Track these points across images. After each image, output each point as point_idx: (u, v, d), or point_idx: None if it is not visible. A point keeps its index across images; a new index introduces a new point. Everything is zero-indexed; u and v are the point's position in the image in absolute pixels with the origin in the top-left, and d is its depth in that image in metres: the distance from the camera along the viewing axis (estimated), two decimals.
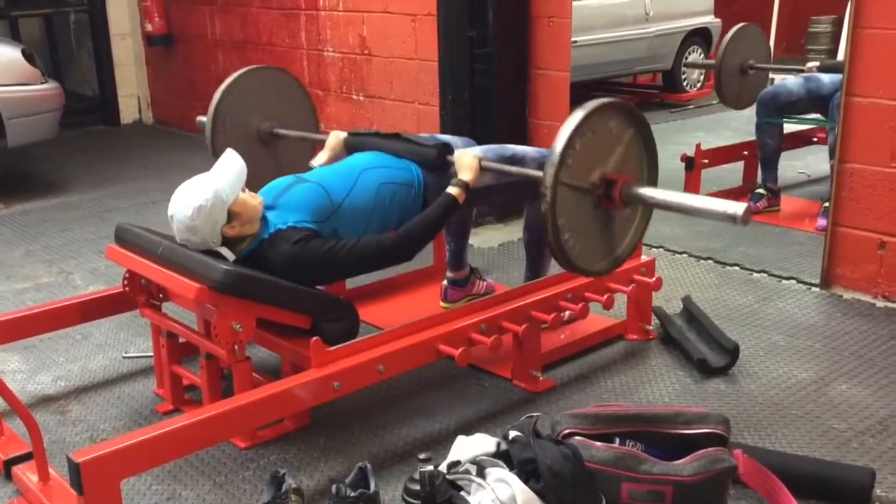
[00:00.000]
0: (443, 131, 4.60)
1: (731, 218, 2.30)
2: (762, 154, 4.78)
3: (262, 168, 3.01)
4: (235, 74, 3.48)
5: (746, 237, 4.34)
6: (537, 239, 3.18)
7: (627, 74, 8.72)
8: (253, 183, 2.70)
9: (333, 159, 3.07)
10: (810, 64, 4.86)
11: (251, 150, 3.24)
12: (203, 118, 3.47)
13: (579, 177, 2.42)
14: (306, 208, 2.69)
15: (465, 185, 2.74)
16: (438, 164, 2.88)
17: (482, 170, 2.79)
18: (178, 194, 2.58)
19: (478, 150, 2.95)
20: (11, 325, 2.88)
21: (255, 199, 2.65)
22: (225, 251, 2.68)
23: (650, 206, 2.56)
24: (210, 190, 2.54)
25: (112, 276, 3.88)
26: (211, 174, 2.60)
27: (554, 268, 2.90)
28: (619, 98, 2.51)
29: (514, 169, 2.83)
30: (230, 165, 2.62)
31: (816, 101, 4.58)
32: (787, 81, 4.74)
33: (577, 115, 2.37)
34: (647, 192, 2.47)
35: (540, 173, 2.44)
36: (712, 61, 5.25)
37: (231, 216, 2.57)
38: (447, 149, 2.91)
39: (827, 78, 4.54)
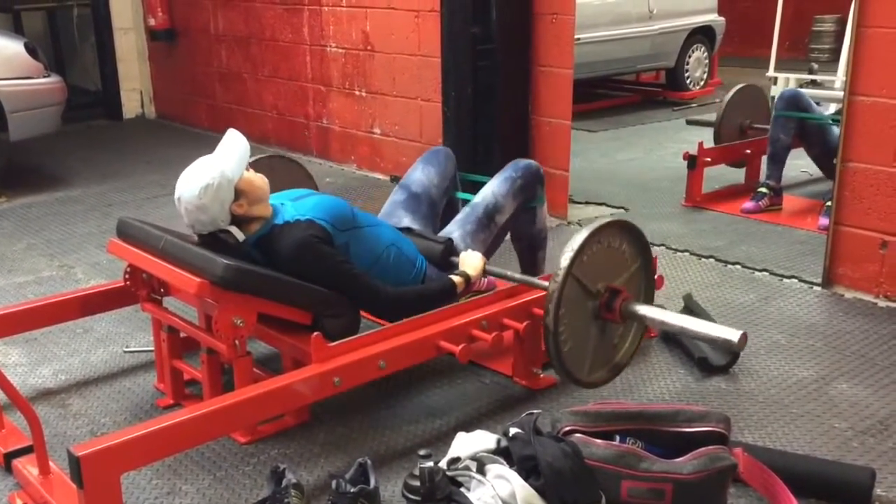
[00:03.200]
0: (445, 127, 4.61)
1: (728, 344, 2.36)
2: (772, 149, 4.77)
3: None
4: None
5: (748, 236, 4.34)
6: (528, 245, 3.32)
7: (631, 72, 8.71)
8: None
9: None
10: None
11: None
12: None
13: (588, 278, 2.48)
14: (328, 211, 2.71)
15: (467, 278, 2.83)
16: (442, 260, 2.96)
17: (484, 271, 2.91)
18: (184, 176, 2.60)
19: (454, 227, 3.07)
20: (12, 319, 2.88)
21: (261, 180, 2.67)
22: (236, 231, 2.69)
23: (646, 324, 2.62)
24: (216, 169, 2.56)
25: (113, 270, 3.88)
26: (215, 155, 2.62)
27: (552, 264, 2.90)
28: (637, 226, 2.61)
29: (518, 277, 2.90)
30: (234, 145, 2.63)
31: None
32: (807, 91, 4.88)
33: (600, 221, 2.50)
34: (645, 309, 2.53)
35: (543, 284, 2.60)
36: (712, 119, 5.37)
37: (238, 194, 2.59)
38: (451, 248, 2.98)
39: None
